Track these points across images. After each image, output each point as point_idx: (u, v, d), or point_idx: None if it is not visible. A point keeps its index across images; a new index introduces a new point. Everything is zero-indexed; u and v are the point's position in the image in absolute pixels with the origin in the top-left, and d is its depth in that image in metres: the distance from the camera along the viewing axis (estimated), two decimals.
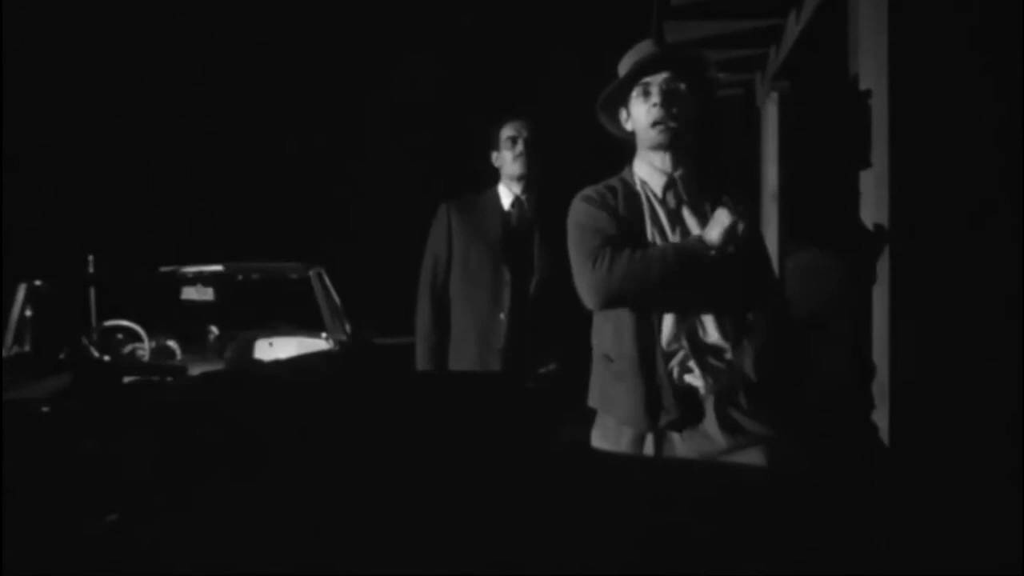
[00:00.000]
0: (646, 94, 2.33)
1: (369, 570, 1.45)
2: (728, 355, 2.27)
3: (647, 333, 2.29)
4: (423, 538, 1.55)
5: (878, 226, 2.73)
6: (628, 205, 2.36)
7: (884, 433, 2.65)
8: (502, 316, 3.22)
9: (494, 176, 3.44)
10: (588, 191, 2.45)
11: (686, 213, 2.34)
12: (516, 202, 3.35)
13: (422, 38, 9.00)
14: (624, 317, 2.33)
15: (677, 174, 2.35)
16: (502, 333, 3.21)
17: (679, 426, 2.28)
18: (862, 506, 1.98)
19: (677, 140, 2.31)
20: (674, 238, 2.31)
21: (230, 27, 8.80)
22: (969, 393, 2.74)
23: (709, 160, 2.37)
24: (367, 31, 9.10)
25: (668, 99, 2.30)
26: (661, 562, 1.42)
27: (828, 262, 2.95)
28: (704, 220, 2.29)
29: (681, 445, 2.28)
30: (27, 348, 4.46)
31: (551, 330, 3.19)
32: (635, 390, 2.31)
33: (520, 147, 3.31)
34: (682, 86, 2.31)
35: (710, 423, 2.26)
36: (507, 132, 3.36)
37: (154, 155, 8.54)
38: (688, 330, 2.29)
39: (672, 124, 2.30)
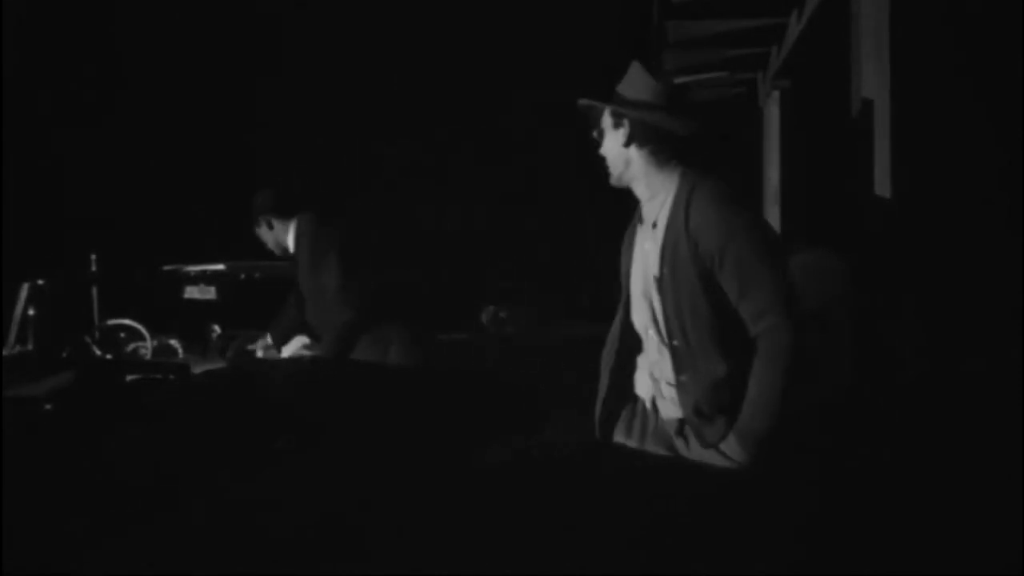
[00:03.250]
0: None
1: (370, 570, 1.45)
2: (679, 388, 2.28)
3: (610, 354, 2.45)
4: (423, 537, 1.55)
5: (879, 226, 2.73)
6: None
7: (886, 432, 2.65)
8: None
9: None
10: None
11: (640, 237, 2.40)
12: None
13: (421, 37, 9.00)
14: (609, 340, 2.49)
15: (643, 203, 2.40)
16: None
17: (636, 441, 2.36)
18: (862, 507, 1.98)
19: (620, 182, 2.38)
20: (627, 255, 2.43)
21: (229, 26, 8.80)
22: (969, 393, 2.73)
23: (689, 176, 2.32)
24: (367, 31, 9.10)
25: (600, 151, 2.40)
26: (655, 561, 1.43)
27: (828, 262, 2.95)
28: (652, 244, 2.33)
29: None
30: (30, 347, 4.47)
31: None
32: (598, 401, 2.46)
33: None
34: (596, 135, 2.39)
35: (677, 445, 2.31)
36: None
37: (155, 154, 8.55)
38: (650, 360, 2.38)
39: (609, 172, 2.38)
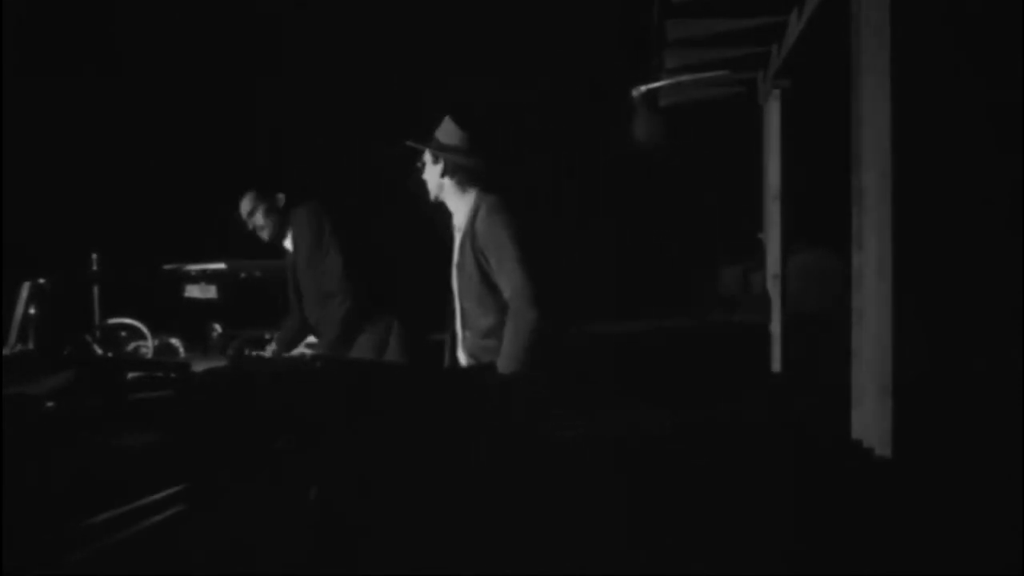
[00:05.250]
0: None
1: (371, 570, 1.46)
2: (463, 341, 3.24)
3: (451, 326, 3.36)
4: (423, 536, 1.55)
5: (880, 226, 2.73)
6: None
7: (886, 433, 2.65)
8: None
9: None
10: None
11: (455, 240, 3.30)
12: None
13: (421, 37, 9.00)
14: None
15: (453, 215, 3.33)
16: None
17: None
18: (862, 507, 1.98)
19: (436, 200, 3.34)
20: (453, 255, 3.32)
21: (229, 26, 8.80)
22: (970, 393, 2.74)
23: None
24: (367, 32, 9.09)
25: (422, 177, 3.35)
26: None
27: (828, 262, 2.96)
28: (456, 243, 3.28)
29: None
30: (31, 346, 4.48)
31: None
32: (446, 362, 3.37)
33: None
34: (419, 166, 3.36)
35: None
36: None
37: (156, 152, 8.54)
38: (457, 325, 3.30)
39: (428, 192, 3.34)
